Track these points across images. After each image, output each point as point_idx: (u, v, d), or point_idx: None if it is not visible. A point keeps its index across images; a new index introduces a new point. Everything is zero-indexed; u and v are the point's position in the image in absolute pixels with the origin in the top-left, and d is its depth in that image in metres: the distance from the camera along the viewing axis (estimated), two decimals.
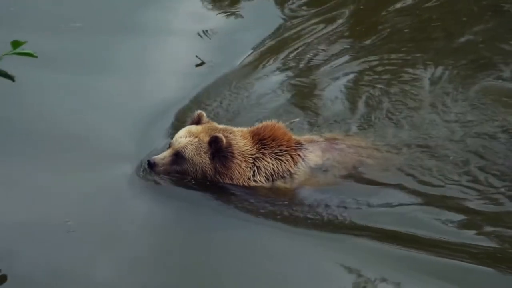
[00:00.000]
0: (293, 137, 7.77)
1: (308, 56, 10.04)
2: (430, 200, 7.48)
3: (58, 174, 7.57)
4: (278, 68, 9.78)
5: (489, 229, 7.13)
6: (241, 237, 7.07)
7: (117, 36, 9.53)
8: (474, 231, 7.11)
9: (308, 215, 7.26)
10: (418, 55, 9.90)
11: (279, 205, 7.39)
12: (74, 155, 7.82)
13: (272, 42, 10.29)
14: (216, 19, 10.49)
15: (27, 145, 7.90)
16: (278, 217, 7.26)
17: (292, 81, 9.47)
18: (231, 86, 9.26)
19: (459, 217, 7.27)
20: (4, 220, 6.90)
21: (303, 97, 9.16)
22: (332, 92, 9.22)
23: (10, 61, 5.64)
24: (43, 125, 8.19)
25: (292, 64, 9.90)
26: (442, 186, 7.67)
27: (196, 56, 9.67)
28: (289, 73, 9.68)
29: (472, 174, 7.74)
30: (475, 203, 7.45)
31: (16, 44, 5.56)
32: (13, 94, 8.13)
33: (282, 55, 10.06)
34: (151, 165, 7.42)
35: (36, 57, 5.62)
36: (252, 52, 10.04)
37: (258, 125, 7.74)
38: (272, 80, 9.45)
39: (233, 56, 9.85)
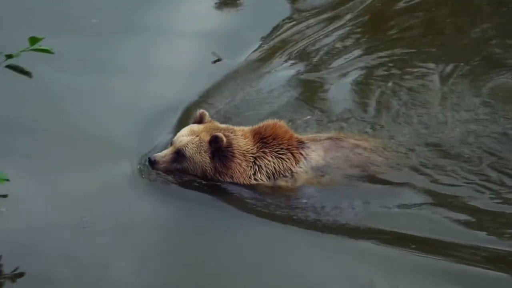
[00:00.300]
0: (295, 135, 7.74)
1: (319, 51, 9.97)
2: (440, 201, 7.37)
3: (64, 172, 7.63)
4: (288, 64, 9.74)
5: (502, 231, 7.01)
6: (245, 236, 7.07)
7: (121, 36, 9.53)
8: (486, 233, 7.02)
9: (311, 216, 7.22)
10: (430, 51, 9.80)
11: (281, 205, 7.37)
12: (81, 153, 7.87)
13: (280, 38, 10.24)
14: (222, 16, 10.47)
15: (35, 143, 8.00)
16: (281, 217, 7.23)
17: (302, 77, 9.40)
18: (240, 83, 9.27)
19: (472, 218, 7.17)
20: (20, 217, 6.98)
21: (314, 94, 9.09)
22: (343, 89, 9.14)
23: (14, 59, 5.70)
24: (51, 124, 8.28)
25: (302, 59, 9.86)
26: (454, 186, 7.55)
27: (213, 52, 9.67)
28: (299, 69, 9.63)
29: (485, 173, 7.63)
30: (488, 203, 7.33)
31: (33, 40, 5.61)
32: (20, 92, 8.27)
33: (291, 51, 10.02)
34: (152, 163, 7.48)
35: (53, 53, 5.67)
36: (260, 49, 10.02)
37: (260, 124, 7.73)
38: (281, 77, 9.40)
39: (241, 53, 9.85)
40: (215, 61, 9.62)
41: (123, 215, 7.22)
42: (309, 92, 9.13)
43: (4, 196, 5.91)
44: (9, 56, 5.60)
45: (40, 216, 7.08)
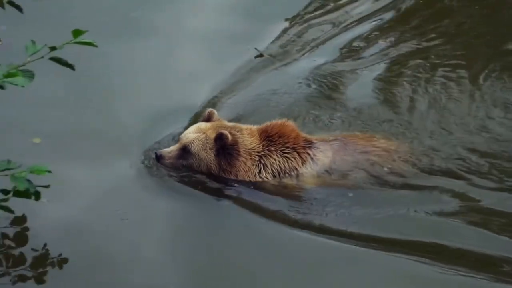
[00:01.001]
0: (302, 135, 7.72)
1: (346, 45, 9.89)
2: (461, 207, 7.23)
3: (89, 166, 7.82)
4: (311, 59, 9.65)
5: None
6: (247, 235, 7.11)
7: (130, 38, 9.57)
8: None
9: (314, 217, 7.21)
10: (464, 52, 9.55)
11: (286, 205, 7.39)
12: (106, 148, 8.03)
13: (298, 35, 10.12)
14: (233, 14, 10.47)
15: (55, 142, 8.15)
16: (283, 216, 7.26)
17: (326, 72, 9.28)
18: (261, 78, 9.32)
19: (493, 225, 7.05)
20: (55, 210, 7.14)
21: (339, 90, 8.97)
22: (368, 85, 9.01)
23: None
24: (76, 121, 8.43)
25: (327, 53, 9.75)
26: (483, 191, 7.42)
27: (255, 48, 9.74)
28: (322, 63, 9.50)
29: None
30: None
31: (77, 33, 5.64)
32: (32, 90, 8.49)
33: (313, 45, 9.95)
34: (158, 158, 7.62)
35: (96, 46, 5.72)
36: (283, 41, 9.99)
37: (268, 122, 7.73)
38: (303, 72, 9.31)
39: (263, 47, 9.86)
40: (256, 56, 9.72)
41: (147, 209, 7.37)
42: (334, 88, 9.00)
43: (46, 186, 6.08)
44: (53, 48, 5.64)
45: (76, 207, 7.29)
